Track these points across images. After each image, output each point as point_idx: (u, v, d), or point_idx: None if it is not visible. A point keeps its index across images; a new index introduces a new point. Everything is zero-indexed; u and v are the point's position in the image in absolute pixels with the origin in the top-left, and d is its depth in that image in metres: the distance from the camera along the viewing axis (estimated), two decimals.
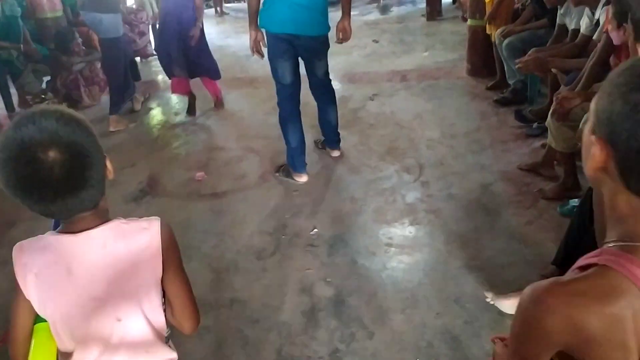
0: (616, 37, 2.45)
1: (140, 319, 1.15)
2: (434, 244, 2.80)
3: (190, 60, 4.74)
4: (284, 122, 3.49)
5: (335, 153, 3.84)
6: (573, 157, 2.94)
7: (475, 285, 2.45)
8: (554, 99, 3.07)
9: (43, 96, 5.70)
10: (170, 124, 4.85)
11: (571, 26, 3.59)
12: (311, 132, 4.29)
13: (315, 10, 3.23)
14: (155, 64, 7.03)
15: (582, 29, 3.31)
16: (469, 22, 5.24)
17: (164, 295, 1.19)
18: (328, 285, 2.56)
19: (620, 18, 2.28)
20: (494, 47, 4.69)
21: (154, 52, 7.16)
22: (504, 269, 2.53)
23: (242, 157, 4.02)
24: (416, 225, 2.98)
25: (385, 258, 2.73)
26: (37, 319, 1.14)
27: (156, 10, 6.54)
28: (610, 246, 0.79)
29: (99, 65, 5.67)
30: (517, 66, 3.43)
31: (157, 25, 5.49)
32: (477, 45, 5.16)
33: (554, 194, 3.04)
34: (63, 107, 1.03)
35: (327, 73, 3.57)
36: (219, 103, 5.06)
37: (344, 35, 3.40)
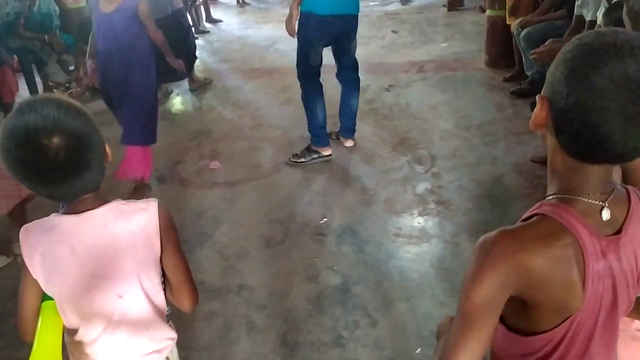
0: None
1: (141, 296, 1.20)
2: (442, 235, 2.82)
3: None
4: (312, 99, 3.59)
5: (349, 143, 3.86)
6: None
7: None
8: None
9: (68, 85, 5.83)
10: (188, 114, 4.92)
11: (588, 17, 3.54)
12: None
13: None
14: None
15: (599, 20, 3.26)
16: (488, 12, 5.19)
17: (163, 275, 1.24)
18: (334, 274, 2.59)
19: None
20: (512, 38, 4.64)
21: None
22: None
23: (257, 147, 4.07)
24: (425, 216, 2.99)
25: (392, 248, 2.75)
26: (44, 297, 1.20)
27: None
28: (550, 199, 0.88)
29: None
30: (531, 57, 3.40)
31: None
32: (495, 36, 5.11)
33: None
34: (61, 95, 1.09)
35: (355, 55, 3.67)
36: (140, 187, 3.41)
37: None
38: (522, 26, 4.24)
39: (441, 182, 3.31)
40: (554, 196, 0.88)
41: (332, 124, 4.02)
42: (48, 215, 1.16)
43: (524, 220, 0.90)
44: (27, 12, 5.11)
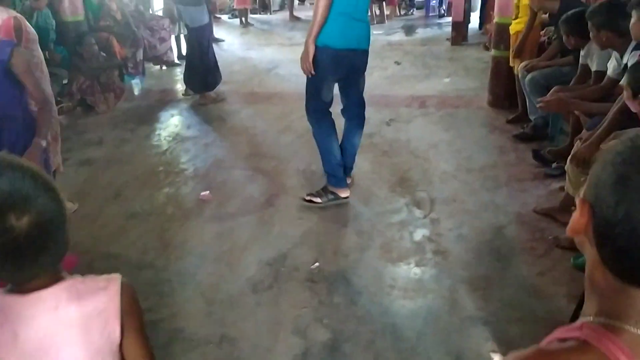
0: (632, 105, 2.33)
1: None
2: (439, 289, 2.66)
3: None
4: (326, 138, 3.41)
5: (347, 180, 3.71)
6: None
7: (479, 340, 2.31)
8: (574, 144, 2.93)
9: (59, 99, 5.68)
10: (182, 137, 4.78)
11: (593, 67, 3.45)
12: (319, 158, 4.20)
13: (367, 22, 3.31)
14: (177, 71, 7.04)
15: (609, 72, 3.17)
16: (493, 52, 5.12)
17: None
18: (324, 328, 2.43)
19: (635, 87, 2.16)
20: (516, 80, 4.56)
21: (177, 61, 7.21)
22: (511, 325, 2.38)
23: (250, 177, 3.92)
24: (422, 266, 2.85)
25: (387, 301, 2.60)
26: None
27: None
28: (592, 321, 0.76)
29: (116, 72, 5.66)
30: (539, 105, 3.29)
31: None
32: (500, 76, 5.03)
33: (569, 243, 2.88)
34: (29, 164, 0.96)
35: (363, 91, 3.55)
36: None
37: None
38: (528, 70, 4.15)
39: (440, 229, 3.17)
40: (595, 319, 0.76)
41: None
42: None
43: (560, 340, 0.76)
44: None
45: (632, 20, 2.69)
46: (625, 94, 2.39)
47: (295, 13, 11.15)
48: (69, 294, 1.00)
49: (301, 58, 3.21)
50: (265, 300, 2.62)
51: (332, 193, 3.43)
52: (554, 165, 3.72)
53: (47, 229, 0.92)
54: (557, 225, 3.11)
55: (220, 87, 5.90)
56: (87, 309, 1.00)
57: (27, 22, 3.34)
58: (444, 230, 3.16)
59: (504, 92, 5.01)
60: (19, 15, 3.33)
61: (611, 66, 3.14)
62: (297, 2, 11.08)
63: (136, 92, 6.19)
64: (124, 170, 4.05)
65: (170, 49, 7.14)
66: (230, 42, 9.01)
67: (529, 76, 4.11)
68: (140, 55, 6.20)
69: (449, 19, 9.24)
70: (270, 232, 3.21)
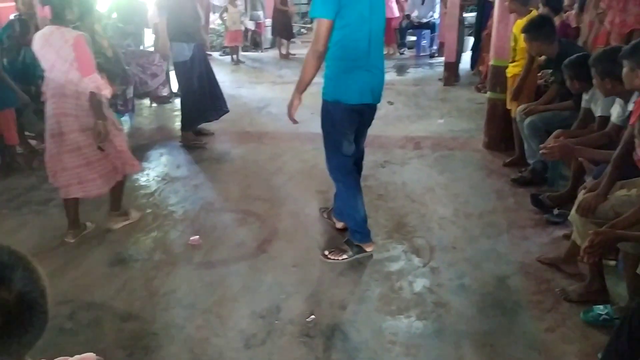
0: None
1: None
2: (443, 346, 2.51)
3: None
4: (352, 195, 3.21)
5: (341, 224, 3.58)
6: (601, 256, 2.67)
7: None
8: (578, 193, 2.84)
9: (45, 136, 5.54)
10: (171, 177, 4.63)
11: (597, 112, 3.39)
12: (317, 198, 4.08)
13: (382, 70, 3.11)
14: (170, 108, 6.94)
15: (613, 118, 3.11)
16: (489, 94, 5.08)
17: None
18: None
19: None
20: (513, 123, 4.51)
21: (169, 99, 7.12)
22: None
23: (241, 221, 3.78)
24: (424, 320, 2.69)
25: (388, 359, 2.43)
26: None
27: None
28: None
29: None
30: (541, 152, 3.21)
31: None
32: (495, 118, 4.99)
33: (577, 296, 2.76)
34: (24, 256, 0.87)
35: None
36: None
37: None
38: (527, 113, 4.10)
39: (441, 279, 3.03)
40: None
41: (324, 199, 3.77)
42: None
43: None
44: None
45: (624, 70, 2.65)
46: (637, 142, 2.31)
47: (285, 51, 11.17)
48: None
49: (288, 106, 3.10)
50: (258, 356, 2.45)
51: (357, 246, 3.24)
52: (555, 211, 3.62)
53: (32, 301, 0.88)
54: (563, 276, 2.99)
55: (210, 126, 5.80)
56: None
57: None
58: (444, 281, 3.02)
59: (500, 134, 4.95)
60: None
61: (615, 112, 3.08)
62: (286, 41, 11.11)
63: (125, 130, 6.05)
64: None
65: (163, 84, 7.06)
66: (221, 80, 8.80)
67: (527, 120, 4.05)
68: (130, 92, 6.10)
69: (441, 59, 9.30)
70: (262, 281, 3.05)
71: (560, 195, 3.69)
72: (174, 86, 6.95)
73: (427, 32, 11.12)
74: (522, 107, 4.21)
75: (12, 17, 5.16)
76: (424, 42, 11.27)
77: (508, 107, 4.62)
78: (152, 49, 7.67)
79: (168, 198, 4.17)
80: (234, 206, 4.03)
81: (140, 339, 2.55)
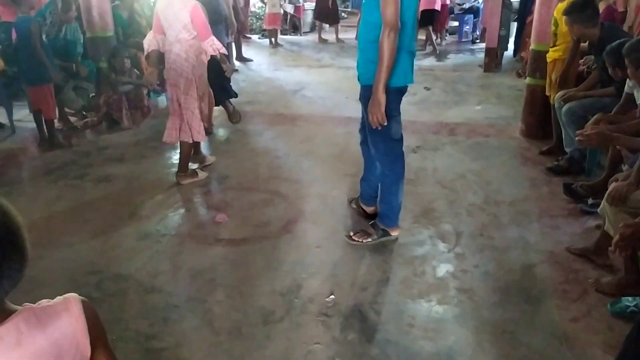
0: None
1: None
2: (462, 331, 2.47)
3: None
4: (398, 179, 3.15)
5: (371, 209, 3.53)
6: (635, 248, 2.57)
7: None
8: (609, 183, 2.74)
9: (84, 113, 5.70)
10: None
11: (639, 100, 3.24)
12: (345, 181, 4.06)
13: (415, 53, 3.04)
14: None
15: None
16: (528, 80, 4.93)
17: None
18: None
19: None
20: (552, 110, 4.36)
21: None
22: None
23: (268, 201, 3.80)
24: (444, 305, 2.66)
25: (405, 341, 2.41)
26: None
27: None
28: None
29: (146, 90, 5.65)
30: (577, 138, 3.09)
31: None
32: (534, 105, 4.84)
33: (611, 289, 2.66)
34: None
35: None
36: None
37: None
38: (565, 100, 3.96)
39: (465, 266, 2.98)
40: None
41: (353, 184, 3.75)
42: None
43: None
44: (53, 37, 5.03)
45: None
46: None
47: (324, 36, 11.13)
48: (29, 325, 0.90)
49: (370, 110, 2.83)
50: (276, 333, 2.47)
51: (383, 230, 3.22)
52: (589, 200, 3.50)
53: (12, 233, 0.89)
54: (593, 266, 2.90)
55: (245, 108, 5.84)
56: (55, 336, 0.92)
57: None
58: (469, 267, 2.97)
59: (538, 122, 4.81)
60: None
61: None
62: (327, 26, 11.03)
63: (160, 109, 6.16)
64: (142, 189, 3.98)
65: None
66: (259, 62, 9.00)
67: (566, 107, 3.92)
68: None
69: (482, 45, 9.08)
70: (285, 260, 3.06)
71: (594, 185, 3.57)
72: None
73: (470, 17, 10.88)
74: (560, 93, 4.07)
75: None
76: (467, 28, 11.02)
77: (547, 93, 4.48)
78: None
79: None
80: (262, 186, 4.05)
81: (162, 311, 2.61)
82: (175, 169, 4.15)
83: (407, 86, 3.02)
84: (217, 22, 5.16)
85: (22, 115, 5.65)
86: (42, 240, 3.19)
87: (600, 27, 3.79)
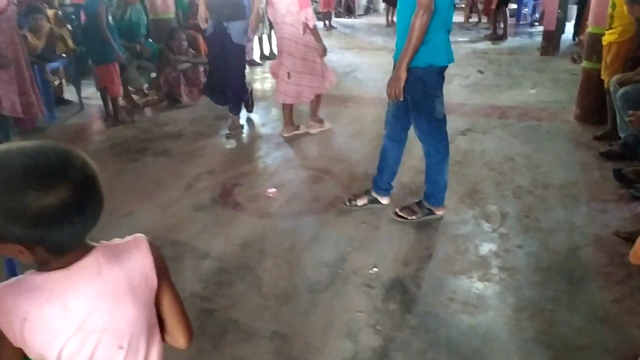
0: None
1: (142, 342, 1.10)
2: (501, 307, 2.53)
3: None
4: (444, 158, 3.20)
5: (386, 200, 3.53)
6: None
7: None
8: None
9: (146, 92, 5.98)
10: (255, 134, 4.87)
11: None
12: None
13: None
14: (258, 70, 7.19)
15: None
16: (584, 64, 4.83)
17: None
18: (376, 334, 2.38)
19: None
20: (607, 95, 4.28)
21: (258, 60, 7.32)
22: (578, 352, 2.23)
23: (317, 178, 3.93)
24: (485, 282, 2.72)
25: (444, 314, 2.50)
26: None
27: None
28: None
29: (202, 69, 5.87)
30: (628, 119, 3.06)
31: None
32: (589, 89, 4.75)
33: None
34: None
35: None
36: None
37: None
38: (621, 84, 3.88)
39: (508, 245, 3.02)
40: None
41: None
42: None
43: None
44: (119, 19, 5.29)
45: None
46: None
47: (377, 19, 11.08)
48: (107, 257, 1.04)
49: (389, 84, 2.99)
50: (321, 300, 2.60)
51: (428, 209, 3.30)
52: None
53: (92, 179, 1.00)
54: None
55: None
56: (128, 268, 1.05)
57: None
58: (512, 247, 3.01)
59: (594, 106, 4.72)
60: None
61: None
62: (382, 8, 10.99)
63: None
64: (198, 163, 4.19)
65: (252, 48, 7.32)
66: None
67: (621, 90, 3.84)
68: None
69: (541, 28, 8.85)
70: (331, 234, 3.19)
71: None
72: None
73: None
74: (616, 77, 3.98)
75: None
76: (526, 10, 10.74)
77: (602, 77, 4.39)
78: None
79: (251, 153, 4.41)
80: (311, 164, 4.19)
81: (215, 275, 2.79)
82: (229, 145, 4.33)
83: (446, 66, 3.05)
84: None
85: (90, 92, 5.99)
86: (106, 208, 3.42)
87: None
